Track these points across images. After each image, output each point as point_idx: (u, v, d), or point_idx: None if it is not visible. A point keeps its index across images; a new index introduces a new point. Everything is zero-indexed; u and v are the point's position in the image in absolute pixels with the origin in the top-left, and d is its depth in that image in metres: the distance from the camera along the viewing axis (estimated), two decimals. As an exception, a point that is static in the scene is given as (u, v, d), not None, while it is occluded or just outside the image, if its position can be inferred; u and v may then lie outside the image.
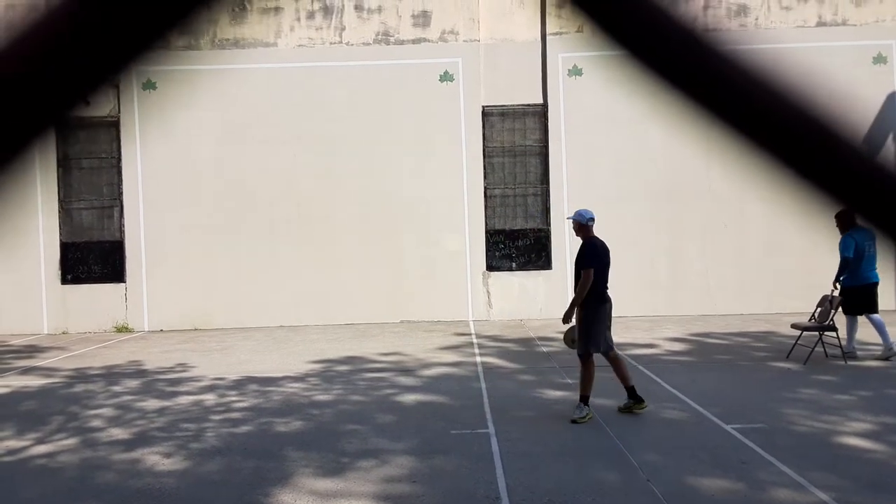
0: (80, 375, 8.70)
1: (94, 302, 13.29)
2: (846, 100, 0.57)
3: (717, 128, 0.56)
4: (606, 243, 6.49)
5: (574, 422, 5.89)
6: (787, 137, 0.54)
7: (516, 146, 13.63)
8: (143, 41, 0.53)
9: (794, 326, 8.70)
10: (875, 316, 8.33)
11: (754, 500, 4.16)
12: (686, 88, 0.55)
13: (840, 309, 8.27)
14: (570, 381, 7.56)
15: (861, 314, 8.37)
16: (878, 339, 8.43)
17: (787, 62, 0.58)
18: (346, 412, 6.55)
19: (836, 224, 8.39)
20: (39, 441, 5.82)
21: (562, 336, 6.70)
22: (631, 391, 6.16)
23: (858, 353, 8.46)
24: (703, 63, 0.54)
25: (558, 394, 6.98)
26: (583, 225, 6.25)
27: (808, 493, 4.24)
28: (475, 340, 10.80)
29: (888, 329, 8.42)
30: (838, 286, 8.38)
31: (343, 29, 13.46)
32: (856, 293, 8.30)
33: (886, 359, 8.25)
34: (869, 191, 0.54)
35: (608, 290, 6.31)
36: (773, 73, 0.53)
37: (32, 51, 0.53)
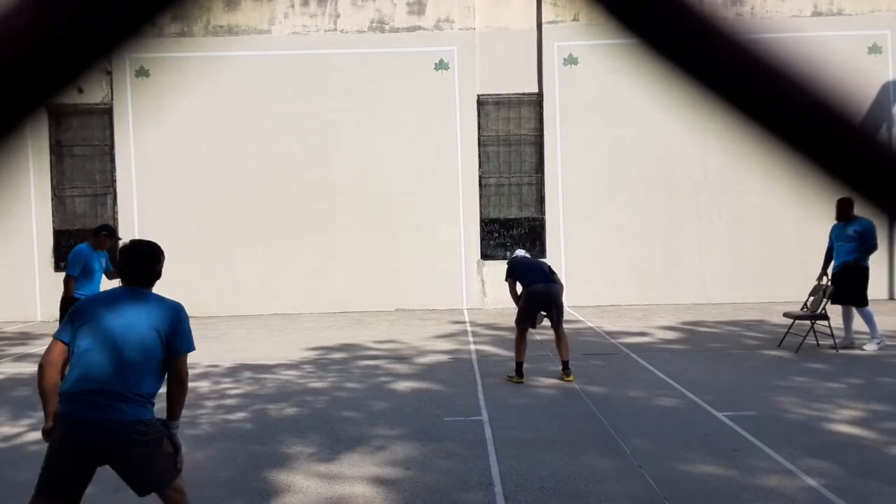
0: (75, 363, 8.68)
1: (88, 290, 13.26)
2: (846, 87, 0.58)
3: (728, 114, 0.57)
4: (543, 262, 7.79)
5: (508, 378, 7.14)
6: (800, 123, 0.56)
7: (511, 135, 13.62)
8: (135, 25, 0.53)
9: (786, 315, 8.75)
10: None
11: (745, 487, 4.20)
12: (700, 75, 0.56)
13: (836, 298, 8.32)
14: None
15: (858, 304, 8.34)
16: (866, 328, 8.44)
17: (793, 51, 0.59)
18: (341, 399, 6.58)
19: (837, 210, 8.38)
20: (33, 427, 5.82)
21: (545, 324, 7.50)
22: (564, 365, 7.13)
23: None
24: (718, 49, 0.54)
25: (551, 381, 7.02)
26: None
27: (798, 479, 4.28)
28: (469, 328, 10.83)
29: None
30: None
31: (337, 16, 13.39)
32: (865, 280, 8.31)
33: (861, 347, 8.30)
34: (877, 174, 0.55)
35: (541, 279, 7.17)
36: (786, 60, 0.54)
37: (20, 33, 0.53)
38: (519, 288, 7.28)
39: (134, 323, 3.04)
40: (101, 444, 2.92)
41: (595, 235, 13.26)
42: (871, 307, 8.36)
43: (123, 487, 3.16)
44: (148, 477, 3.03)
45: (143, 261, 3.21)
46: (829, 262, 8.52)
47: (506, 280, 7.38)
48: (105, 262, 7.57)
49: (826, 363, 7.65)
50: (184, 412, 6.21)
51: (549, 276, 7.18)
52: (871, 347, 8.18)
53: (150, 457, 3.00)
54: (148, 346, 3.03)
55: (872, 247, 8.21)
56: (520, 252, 7.70)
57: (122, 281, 3.21)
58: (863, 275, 8.24)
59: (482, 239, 13.51)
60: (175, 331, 3.11)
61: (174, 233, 13.24)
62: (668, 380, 7.01)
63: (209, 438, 5.44)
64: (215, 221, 13.31)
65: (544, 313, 7.19)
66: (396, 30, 13.38)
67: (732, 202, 13.29)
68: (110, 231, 7.47)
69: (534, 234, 13.45)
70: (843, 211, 8.33)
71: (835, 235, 8.49)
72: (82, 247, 7.39)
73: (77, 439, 2.91)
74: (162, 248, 3.39)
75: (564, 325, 7.28)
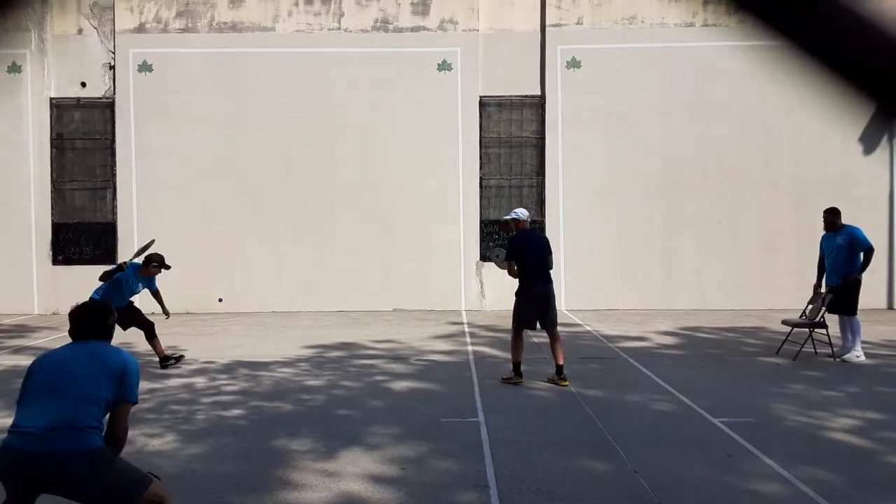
0: (71, 356, 8.65)
1: (86, 283, 13.16)
2: None
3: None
4: (542, 238, 7.54)
5: (503, 381, 7.06)
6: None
7: (513, 137, 13.62)
8: None
9: (784, 323, 8.74)
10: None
11: (740, 493, 4.20)
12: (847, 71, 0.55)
13: (834, 306, 8.23)
14: (560, 372, 7.59)
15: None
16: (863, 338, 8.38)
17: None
18: (337, 397, 6.57)
19: (825, 221, 8.37)
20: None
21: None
22: (559, 369, 7.00)
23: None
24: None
25: (548, 384, 7.01)
26: (519, 221, 7.35)
27: (793, 486, 4.28)
28: (467, 329, 10.83)
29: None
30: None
31: (341, 15, 13.40)
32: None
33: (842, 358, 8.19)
34: None
35: (540, 280, 7.09)
36: None
37: None
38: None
39: (81, 359, 3.06)
40: (42, 476, 2.86)
41: (595, 239, 13.26)
42: (871, 316, 8.32)
43: None
44: (107, 498, 2.94)
45: (92, 319, 3.23)
46: (823, 272, 8.50)
47: (506, 260, 7.14)
48: (145, 286, 8.03)
49: (823, 371, 7.64)
50: (180, 407, 6.23)
51: (547, 274, 7.13)
52: (850, 357, 8.15)
53: (102, 478, 2.92)
54: (95, 379, 3.00)
55: (869, 249, 8.16)
56: (521, 212, 7.34)
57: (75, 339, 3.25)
58: (855, 284, 8.22)
59: (482, 240, 13.51)
60: (123, 378, 3.06)
61: (173, 228, 13.22)
62: (665, 385, 7.01)
63: (203, 434, 5.43)
64: (214, 217, 13.30)
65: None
66: (400, 30, 13.39)
67: (732, 208, 13.30)
68: (160, 262, 7.88)
69: (533, 236, 13.45)
70: (831, 221, 8.33)
71: (825, 246, 8.47)
72: (131, 268, 7.78)
73: (16, 473, 2.88)
74: (110, 307, 3.39)
75: (561, 328, 7.26)
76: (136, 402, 3.15)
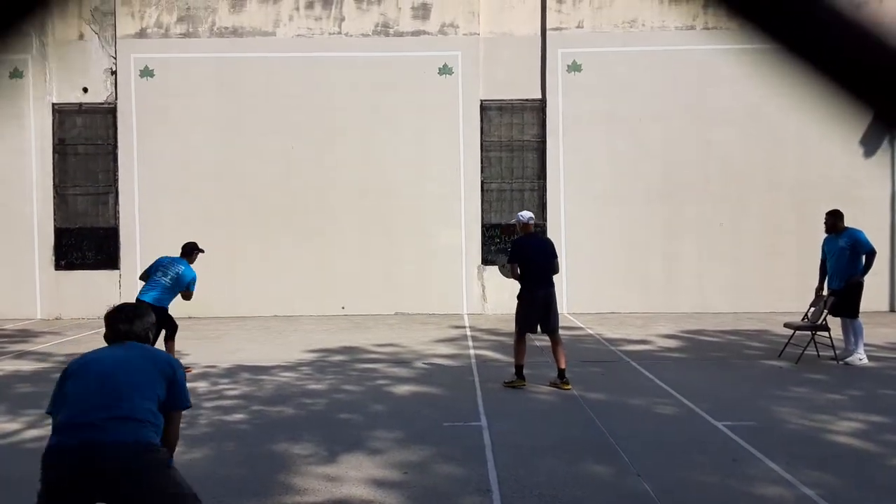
0: (73, 361, 8.66)
1: (88, 288, 13.27)
2: None
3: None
4: (547, 241, 7.53)
5: (506, 385, 7.05)
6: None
7: (514, 141, 13.63)
8: None
9: (786, 326, 8.72)
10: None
11: (743, 496, 4.19)
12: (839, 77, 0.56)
13: (836, 309, 8.20)
14: (562, 375, 7.58)
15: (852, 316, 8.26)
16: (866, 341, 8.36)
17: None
18: (339, 401, 6.57)
19: (827, 223, 8.35)
20: (32, 424, 5.81)
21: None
22: (561, 372, 6.98)
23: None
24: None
25: (550, 388, 7.01)
26: (523, 224, 7.41)
27: (796, 490, 4.26)
28: (469, 333, 10.82)
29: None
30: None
31: (342, 19, 13.42)
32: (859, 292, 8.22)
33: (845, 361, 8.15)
34: None
35: (542, 283, 7.09)
36: None
37: None
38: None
39: (130, 357, 2.87)
40: (94, 472, 2.57)
41: (596, 242, 13.25)
42: (874, 319, 8.28)
43: None
44: None
45: (130, 321, 3.02)
46: (825, 275, 8.47)
47: (509, 263, 7.13)
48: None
49: (826, 374, 7.63)
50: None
51: (550, 278, 7.13)
52: (853, 360, 8.12)
53: (159, 480, 2.66)
54: (148, 375, 2.81)
55: (871, 251, 8.13)
56: (525, 214, 7.39)
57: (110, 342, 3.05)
58: (857, 287, 8.20)
59: (483, 244, 13.51)
60: (174, 380, 2.87)
61: (174, 232, 13.21)
62: (667, 388, 7.00)
63: (206, 438, 5.43)
64: (216, 222, 13.31)
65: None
66: (401, 34, 13.41)
67: (734, 212, 13.29)
68: (195, 247, 8.74)
69: (535, 240, 13.44)
70: (833, 223, 8.31)
71: (827, 248, 8.44)
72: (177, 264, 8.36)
73: (65, 471, 2.57)
74: (148, 309, 3.18)
75: (563, 332, 7.25)
76: (189, 407, 3.02)
